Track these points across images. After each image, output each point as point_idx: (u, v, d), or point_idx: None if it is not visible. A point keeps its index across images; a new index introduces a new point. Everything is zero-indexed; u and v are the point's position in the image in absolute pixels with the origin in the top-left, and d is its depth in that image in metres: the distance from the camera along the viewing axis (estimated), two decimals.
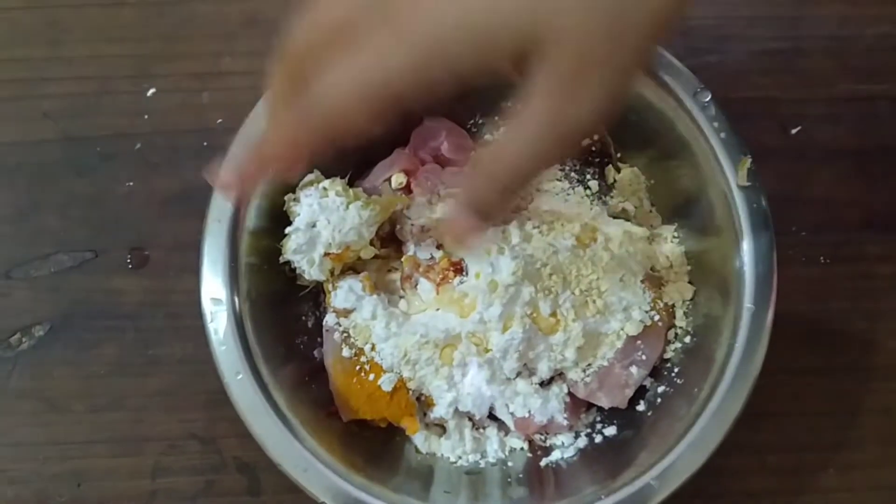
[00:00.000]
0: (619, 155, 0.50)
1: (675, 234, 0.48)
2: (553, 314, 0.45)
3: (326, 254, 0.45)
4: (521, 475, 0.46)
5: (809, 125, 0.54)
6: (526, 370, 0.46)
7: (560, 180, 0.50)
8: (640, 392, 0.47)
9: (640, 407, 0.46)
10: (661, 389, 0.46)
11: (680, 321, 0.47)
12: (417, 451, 0.47)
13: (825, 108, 0.54)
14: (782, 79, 0.54)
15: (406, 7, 0.33)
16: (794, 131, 0.54)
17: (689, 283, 0.48)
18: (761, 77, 0.54)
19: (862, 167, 0.53)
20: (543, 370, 0.45)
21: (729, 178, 0.44)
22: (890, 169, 0.53)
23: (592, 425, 0.47)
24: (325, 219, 0.44)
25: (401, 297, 0.47)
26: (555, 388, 0.47)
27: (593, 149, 0.50)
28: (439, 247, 0.46)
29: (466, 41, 0.33)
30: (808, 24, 0.55)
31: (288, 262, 0.46)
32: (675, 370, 0.46)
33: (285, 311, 0.47)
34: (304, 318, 0.48)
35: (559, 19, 0.32)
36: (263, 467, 0.48)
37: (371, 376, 0.45)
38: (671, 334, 0.47)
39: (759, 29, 0.55)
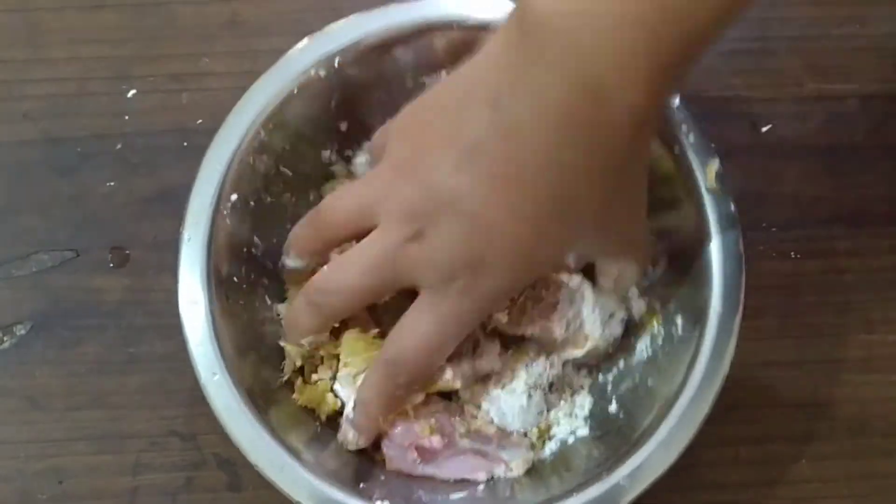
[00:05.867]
0: None
1: None
2: None
3: None
4: None
5: (779, 123, 0.55)
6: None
7: None
8: (611, 392, 0.47)
9: (612, 408, 0.47)
10: (630, 388, 0.46)
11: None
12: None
13: (794, 107, 0.55)
14: (752, 78, 0.55)
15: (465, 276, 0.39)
16: (764, 129, 0.55)
17: None
18: (731, 77, 0.55)
19: (831, 164, 0.54)
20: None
21: (698, 179, 0.44)
22: (858, 166, 0.54)
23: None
24: None
25: None
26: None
27: None
28: None
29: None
30: (775, 25, 0.56)
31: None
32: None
33: (263, 310, 0.47)
34: (279, 315, 0.48)
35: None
36: (243, 463, 0.47)
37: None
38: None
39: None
